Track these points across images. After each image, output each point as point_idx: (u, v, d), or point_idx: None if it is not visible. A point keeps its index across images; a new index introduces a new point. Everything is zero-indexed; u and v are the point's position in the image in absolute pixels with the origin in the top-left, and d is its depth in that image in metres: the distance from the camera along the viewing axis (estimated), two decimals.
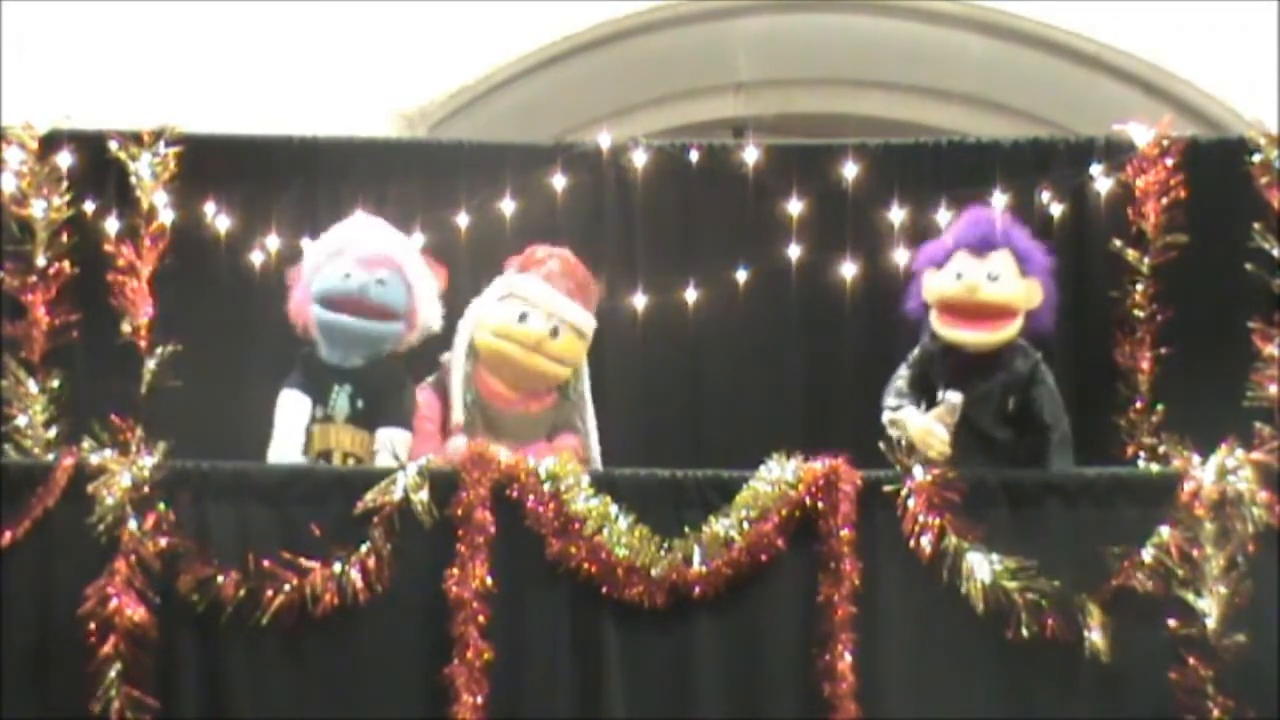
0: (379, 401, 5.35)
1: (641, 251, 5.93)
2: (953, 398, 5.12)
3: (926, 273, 5.28)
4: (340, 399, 5.34)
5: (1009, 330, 5.19)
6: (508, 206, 5.84)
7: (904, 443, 5.10)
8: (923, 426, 5.11)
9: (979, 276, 5.18)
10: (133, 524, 4.95)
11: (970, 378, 5.16)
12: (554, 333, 5.38)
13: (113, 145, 5.74)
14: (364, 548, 4.95)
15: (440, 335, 5.50)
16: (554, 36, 7.22)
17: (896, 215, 5.76)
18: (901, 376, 5.26)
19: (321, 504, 5.02)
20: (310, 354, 5.41)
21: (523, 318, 5.36)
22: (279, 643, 4.96)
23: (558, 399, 5.45)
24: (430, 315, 5.46)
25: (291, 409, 5.33)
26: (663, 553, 4.95)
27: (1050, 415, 5.20)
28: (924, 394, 5.23)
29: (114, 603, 4.90)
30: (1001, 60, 7.49)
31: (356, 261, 5.38)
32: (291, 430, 5.30)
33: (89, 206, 5.73)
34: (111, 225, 5.72)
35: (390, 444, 5.28)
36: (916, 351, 5.28)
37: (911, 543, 4.95)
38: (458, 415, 5.33)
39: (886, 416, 5.20)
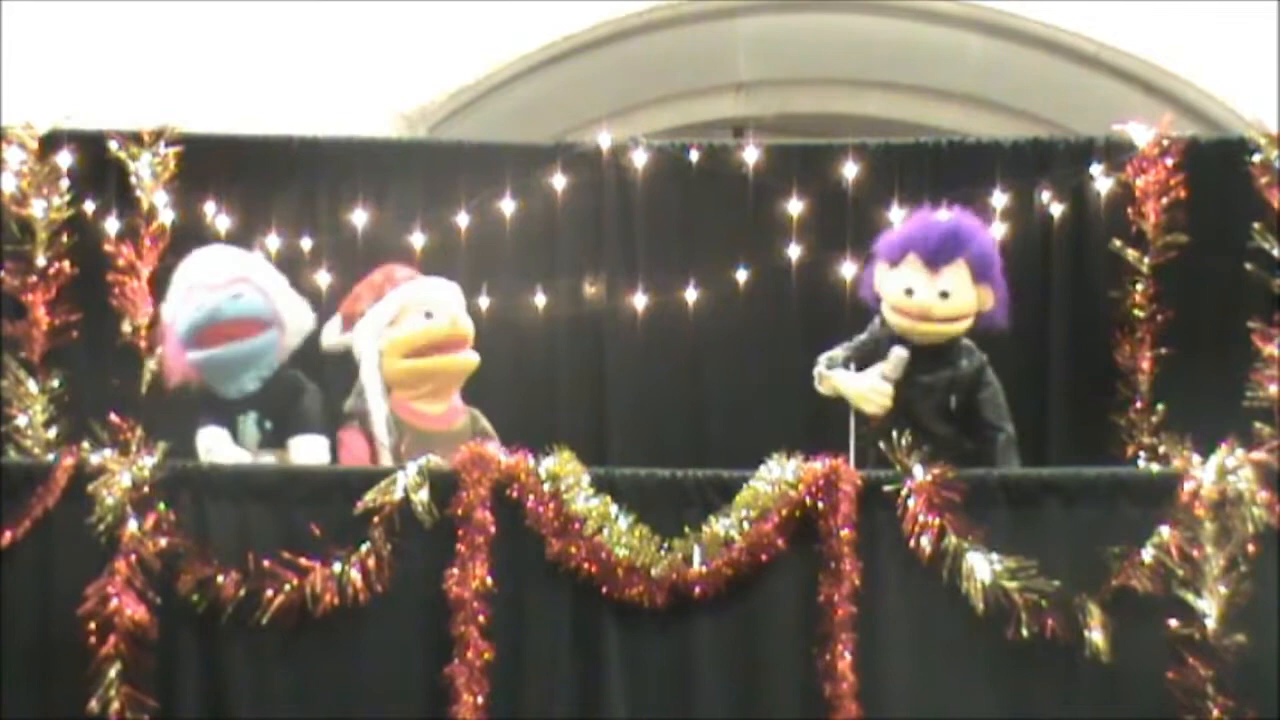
0: (284, 417, 5.34)
1: (641, 251, 5.94)
2: (899, 351, 5.17)
3: (879, 265, 5.29)
4: (248, 427, 5.34)
5: (959, 325, 5.25)
6: (508, 206, 5.84)
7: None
8: (864, 383, 5.18)
9: (931, 297, 5.22)
10: (133, 524, 4.95)
11: (916, 370, 5.21)
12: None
13: (113, 145, 5.75)
14: (364, 548, 4.95)
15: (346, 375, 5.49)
16: (554, 36, 7.22)
17: (896, 215, 5.76)
18: (840, 350, 5.31)
19: (321, 504, 5.01)
20: (208, 395, 5.36)
21: (429, 315, 5.40)
22: (279, 643, 4.96)
23: (467, 411, 5.47)
24: (298, 314, 5.42)
25: (218, 442, 5.30)
26: (663, 553, 4.95)
27: (995, 416, 5.27)
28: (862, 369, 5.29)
29: (114, 603, 4.89)
30: (1001, 60, 7.49)
31: (205, 289, 5.31)
32: (236, 455, 5.28)
33: (89, 206, 5.74)
34: (111, 225, 5.72)
35: (304, 450, 5.30)
36: (864, 335, 5.32)
37: (911, 543, 4.94)
38: (385, 459, 5.33)
39: (816, 372, 5.28)
